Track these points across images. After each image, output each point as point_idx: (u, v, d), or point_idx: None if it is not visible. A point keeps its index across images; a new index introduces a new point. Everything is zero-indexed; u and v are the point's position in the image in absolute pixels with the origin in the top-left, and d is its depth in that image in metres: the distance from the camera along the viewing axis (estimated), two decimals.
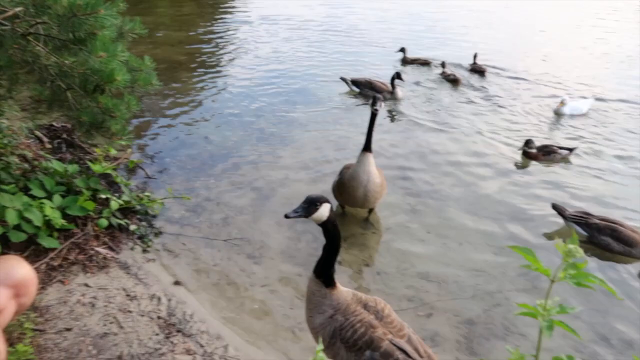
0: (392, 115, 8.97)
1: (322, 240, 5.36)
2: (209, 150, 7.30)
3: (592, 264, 5.23)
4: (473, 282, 4.86)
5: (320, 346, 2.03)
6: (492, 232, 5.66)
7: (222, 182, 6.45)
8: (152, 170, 6.55)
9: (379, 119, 5.43)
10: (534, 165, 7.32)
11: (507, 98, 10.04)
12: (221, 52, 12.50)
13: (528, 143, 7.27)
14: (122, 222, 5.15)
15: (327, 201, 2.99)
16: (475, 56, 11.61)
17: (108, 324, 3.91)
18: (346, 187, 5.38)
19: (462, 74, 11.18)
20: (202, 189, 6.26)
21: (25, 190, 4.73)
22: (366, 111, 8.85)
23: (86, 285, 4.30)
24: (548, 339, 1.27)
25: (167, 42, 12.53)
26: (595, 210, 6.02)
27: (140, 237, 5.16)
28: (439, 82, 10.93)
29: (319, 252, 5.15)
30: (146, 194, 5.72)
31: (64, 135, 6.65)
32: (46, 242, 4.46)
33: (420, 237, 5.55)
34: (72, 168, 5.25)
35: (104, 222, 4.96)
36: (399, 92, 9.48)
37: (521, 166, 7.32)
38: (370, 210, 5.79)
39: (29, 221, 4.33)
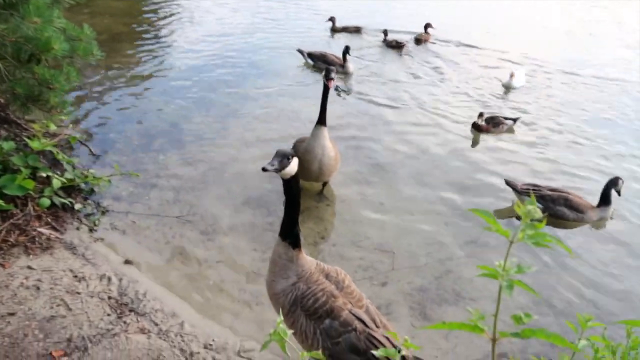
0: (343, 90, 8.94)
1: (276, 214, 5.39)
2: (157, 125, 7.04)
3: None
4: (425, 251, 5.00)
5: (281, 317, 2.03)
6: (442, 202, 5.81)
7: (172, 158, 6.25)
8: (96, 147, 6.25)
9: (331, 94, 5.38)
10: (483, 137, 7.53)
11: (454, 70, 10.18)
12: (165, 22, 11.98)
13: (480, 116, 7.44)
14: (65, 201, 4.91)
15: (296, 155, 2.96)
16: (426, 26, 11.68)
17: (55, 306, 3.75)
18: (301, 161, 5.30)
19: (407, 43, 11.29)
20: (151, 164, 6.06)
21: None
22: (319, 85, 8.79)
23: (29, 267, 4.09)
24: (509, 298, 1.30)
25: (107, 12, 11.86)
26: (540, 179, 6.31)
27: (87, 216, 4.95)
28: (382, 51, 11.00)
29: (274, 227, 5.20)
30: (91, 171, 5.46)
31: None
32: None
33: (373, 208, 5.62)
34: (8, 145, 4.91)
35: (45, 202, 4.71)
36: (350, 66, 9.45)
37: (471, 138, 7.52)
38: (324, 184, 5.80)
39: None
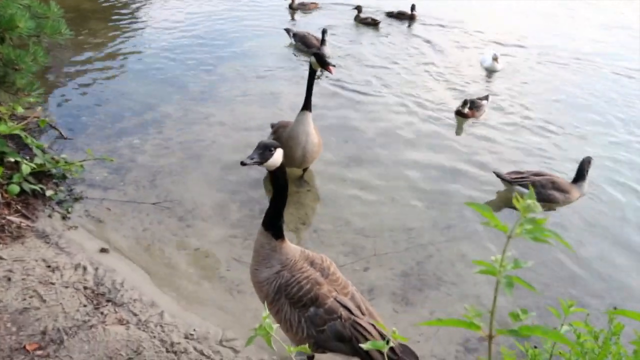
0: (320, 75, 8.76)
1: (256, 200, 5.30)
2: (131, 108, 6.82)
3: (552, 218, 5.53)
4: (406, 236, 4.99)
5: (267, 312, 1.97)
6: (424, 188, 5.80)
7: (147, 142, 6.07)
8: (67, 130, 6.03)
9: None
10: (466, 123, 7.52)
11: (434, 52, 10.12)
12: (138, 0, 11.56)
13: (465, 104, 7.38)
14: (36, 187, 4.72)
15: (280, 146, 2.89)
16: (412, 7, 11.54)
17: (28, 298, 3.61)
18: (284, 147, 5.21)
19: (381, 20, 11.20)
20: (126, 149, 5.87)
21: None
22: (300, 66, 8.64)
23: None
24: (510, 297, 1.26)
25: None
26: (517, 163, 6.37)
27: (59, 203, 4.77)
28: (355, 29, 10.88)
29: (254, 213, 5.12)
30: (62, 156, 5.27)
31: None
32: None
33: (354, 193, 5.58)
34: None
35: (15, 188, 4.51)
36: (327, 48, 9.29)
37: (452, 124, 7.49)
38: (305, 169, 5.72)
39: None
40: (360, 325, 2.91)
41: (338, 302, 2.94)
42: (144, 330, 3.50)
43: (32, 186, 4.70)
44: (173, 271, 4.27)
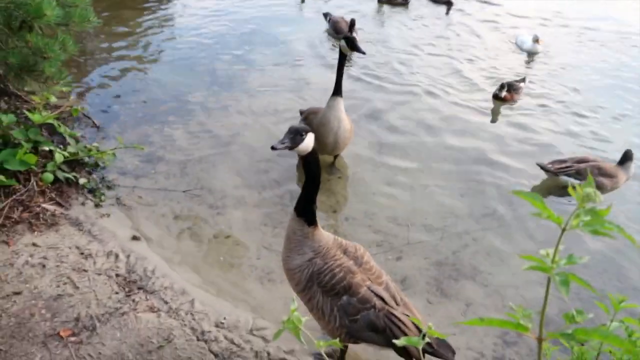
0: (350, 59, 8.54)
1: (286, 187, 5.23)
2: (161, 96, 6.82)
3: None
4: (441, 225, 4.83)
5: (295, 305, 1.88)
6: (458, 174, 5.61)
7: (178, 130, 6.06)
8: (99, 119, 6.07)
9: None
10: (502, 107, 7.23)
11: (467, 32, 9.77)
12: None
13: (502, 86, 7.10)
14: (69, 175, 4.77)
15: (311, 131, 2.82)
16: None
17: (62, 285, 3.65)
18: (315, 134, 5.11)
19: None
20: (156, 137, 5.88)
21: None
22: (330, 53, 8.48)
23: (34, 245, 3.98)
24: (565, 296, 1.12)
25: None
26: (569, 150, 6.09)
27: (92, 191, 4.81)
28: (383, 12, 10.59)
29: (284, 200, 5.05)
30: (94, 144, 5.30)
31: None
32: None
33: (387, 181, 5.44)
34: (8, 118, 4.73)
35: (49, 177, 4.56)
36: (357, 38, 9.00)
37: (488, 109, 7.22)
38: (336, 156, 5.61)
39: None
40: (395, 316, 2.82)
41: (372, 291, 2.86)
42: (174, 318, 3.49)
43: (66, 174, 4.75)
44: (203, 259, 4.25)
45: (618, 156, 5.53)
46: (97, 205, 4.64)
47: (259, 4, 10.80)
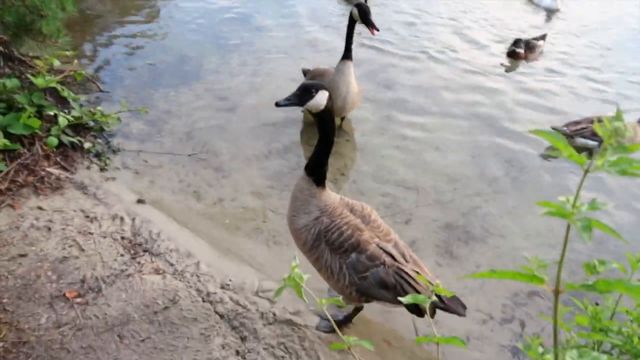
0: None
1: (293, 152, 5.13)
2: (166, 59, 6.70)
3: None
4: (451, 187, 4.73)
5: (297, 261, 1.81)
6: (468, 137, 5.47)
7: (183, 93, 5.96)
8: (104, 83, 5.99)
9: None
10: (520, 65, 7.00)
11: None
12: None
13: (517, 43, 6.85)
14: (74, 140, 4.72)
15: (325, 88, 2.72)
16: None
17: (67, 247, 3.64)
18: None
19: None
20: (161, 100, 5.78)
21: None
22: (339, 17, 8.22)
23: (39, 208, 3.96)
24: (588, 243, 1.03)
25: None
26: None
27: (97, 155, 4.77)
28: None
29: (291, 164, 4.96)
30: (99, 108, 5.23)
31: (0, 48, 5.93)
32: None
33: (395, 143, 5.32)
34: (12, 83, 4.67)
35: (53, 141, 4.52)
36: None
37: (507, 67, 7.00)
38: (343, 118, 5.48)
39: None
40: (405, 272, 2.79)
41: (381, 248, 2.82)
42: (180, 280, 3.47)
43: (70, 138, 4.70)
44: (209, 222, 4.21)
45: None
46: (102, 169, 4.60)
47: None
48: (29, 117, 4.41)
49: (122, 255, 3.63)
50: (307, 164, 2.89)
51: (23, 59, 5.79)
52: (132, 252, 3.67)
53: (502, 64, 7.05)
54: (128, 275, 3.45)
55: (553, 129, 5.23)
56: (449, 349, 3.25)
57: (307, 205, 2.90)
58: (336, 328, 1.85)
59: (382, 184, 4.71)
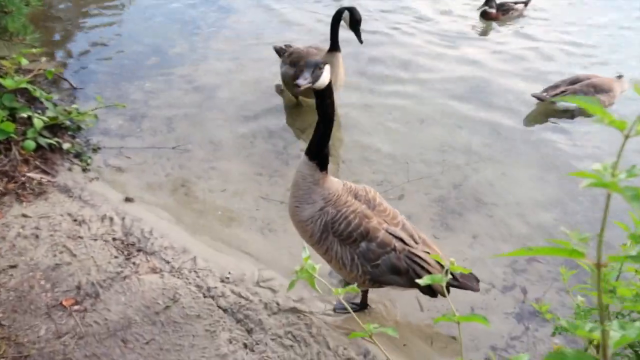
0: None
1: (278, 135, 5.05)
2: (138, 50, 6.48)
3: (592, 126, 5.12)
4: (440, 159, 4.72)
5: (307, 252, 1.77)
6: (451, 107, 5.44)
7: (159, 84, 5.79)
8: (76, 80, 5.77)
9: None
10: (494, 28, 6.97)
11: None
12: None
13: (488, 2, 6.82)
14: (52, 141, 4.55)
15: (327, 63, 2.67)
16: None
17: (58, 254, 3.53)
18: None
19: None
20: (138, 93, 5.62)
21: None
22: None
23: (24, 215, 3.83)
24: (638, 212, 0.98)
25: None
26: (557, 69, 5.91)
27: (77, 156, 4.61)
28: None
29: (277, 149, 4.89)
30: (74, 106, 5.04)
31: None
32: None
33: (380, 119, 5.27)
34: None
35: (30, 144, 4.35)
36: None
37: (481, 30, 6.96)
38: None
39: None
40: (416, 255, 2.79)
41: (390, 233, 2.78)
42: (178, 277, 3.41)
43: (48, 140, 4.53)
44: (201, 215, 4.14)
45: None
46: (84, 170, 4.46)
47: None
48: (2, 121, 4.22)
49: (115, 257, 3.54)
50: (308, 148, 2.81)
51: None
52: (125, 252, 3.59)
53: (473, 26, 7.02)
54: (125, 277, 3.37)
55: (533, 96, 5.25)
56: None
57: (311, 194, 2.82)
58: (356, 317, 1.82)
59: (372, 162, 4.67)
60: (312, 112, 5.38)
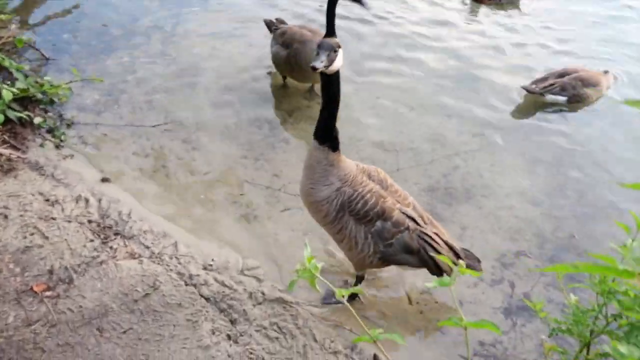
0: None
1: (264, 117, 4.87)
2: (115, 20, 6.16)
3: (579, 120, 5.10)
4: (429, 148, 4.62)
5: (308, 251, 1.64)
6: (441, 95, 5.33)
7: (138, 58, 5.51)
8: (48, 50, 5.44)
9: None
10: (485, 16, 6.87)
11: None
12: None
13: None
14: (22, 115, 4.28)
15: (340, 46, 2.60)
16: None
17: (28, 235, 3.32)
18: (303, 67, 4.63)
19: None
20: (115, 67, 5.34)
21: None
22: None
23: None
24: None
25: None
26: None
27: (50, 131, 4.36)
28: None
29: (263, 130, 4.72)
30: (46, 78, 4.74)
31: None
32: None
33: (370, 104, 5.14)
34: None
35: None
36: None
37: (470, 13, 6.86)
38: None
39: None
40: (427, 235, 2.87)
41: (403, 213, 2.85)
42: (158, 264, 3.25)
43: (18, 114, 4.26)
44: (182, 198, 3.95)
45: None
46: (57, 147, 4.22)
47: None
48: None
49: (91, 240, 3.35)
50: (315, 132, 2.78)
51: None
52: (102, 236, 3.40)
53: (463, 13, 6.92)
54: (101, 262, 3.19)
55: (523, 88, 5.20)
56: (442, 314, 3.22)
57: (327, 176, 2.81)
58: (351, 307, 1.70)
59: (361, 148, 4.55)
60: (299, 95, 5.25)
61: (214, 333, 2.87)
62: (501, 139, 4.76)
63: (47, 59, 5.32)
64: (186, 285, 3.13)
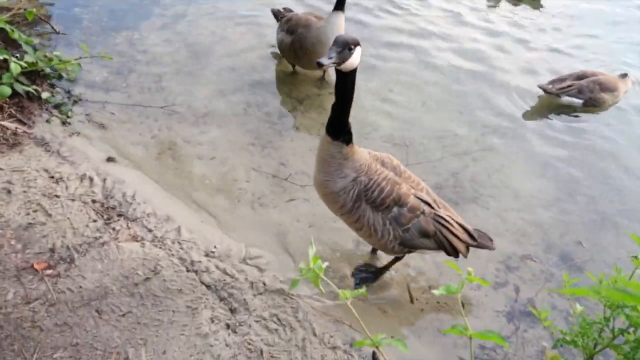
0: None
1: (273, 105, 4.81)
2: None
3: (594, 124, 5.02)
4: (439, 145, 4.56)
5: (313, 250, 1.60)
6: (454, 91, 5.26)
7: (150, 38, 5.45)
8: (59, 24, 5.38)
9: None
10: (504, 16, 6.75)
11: None
12: None
13: None
14: (30, 89, 4.24)
15: (360, 44, 2.51)
16: None
17: (32, 212, 3.29)
18: (309, 51, 4.58)
19: None
20: (126, 45, 5.27)
21: None
22: None
23: None
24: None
25: None
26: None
27: (57, 107, 4.31)
28: None
29: (272, 118, 4.66)
30: (56, 53, 4.69)
31: None
32: None
33: (381, 96, 5.06)
34: None
35: (6, 90, 4.03)
36: None
37: (489, 16, 6.73)
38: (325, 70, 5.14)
39: None
40: (442, 218, 2.92)
41: (418, 198, 2.89)
42: (160, 248, 3.22)
43: (25, 87, 4.21)
44: (188, 183, 3.92)
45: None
46: (64, 123, 4.18)
47: None
48: None
49: (94, 220, 3.32)
50: (327, 127, 2.72)
51: None
52: (105, 217, 3.37)
53: (482, 11, 6.79)
54: (103, 243, 3.17)
55: (539, 87, 5.11)
56: (443, 314, 3.19)
57: (342, 169, 2.80)
58: (352, 307, 1.66)
59: (369, 141, 4.49)
60: (310, 83, 5.18)
61: (213, 321, 2.84)
62: (513, 140, 4.69)
63: (57, 33, 5.25)
64: (187, 271, 3.11)
